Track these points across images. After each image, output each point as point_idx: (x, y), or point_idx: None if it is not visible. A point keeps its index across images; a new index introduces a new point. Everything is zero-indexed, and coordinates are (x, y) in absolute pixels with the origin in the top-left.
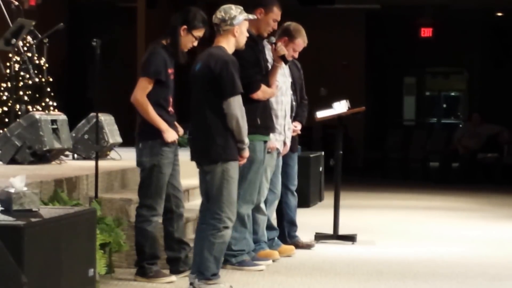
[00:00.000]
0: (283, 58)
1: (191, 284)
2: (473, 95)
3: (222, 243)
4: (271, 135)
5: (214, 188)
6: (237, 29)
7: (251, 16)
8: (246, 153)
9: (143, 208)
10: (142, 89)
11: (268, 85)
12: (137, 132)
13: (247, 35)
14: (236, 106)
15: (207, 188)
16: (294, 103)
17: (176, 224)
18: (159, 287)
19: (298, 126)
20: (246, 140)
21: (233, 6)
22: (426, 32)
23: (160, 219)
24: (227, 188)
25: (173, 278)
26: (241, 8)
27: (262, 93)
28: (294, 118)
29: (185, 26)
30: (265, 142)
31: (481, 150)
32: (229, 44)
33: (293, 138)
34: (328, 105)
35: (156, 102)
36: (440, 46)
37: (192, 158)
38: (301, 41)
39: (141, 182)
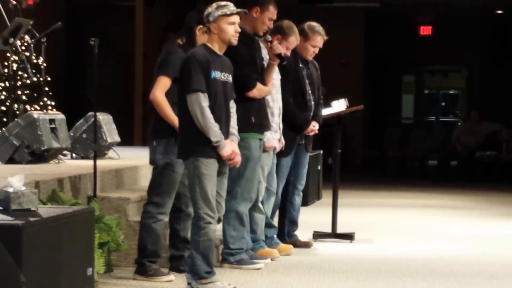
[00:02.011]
0: (280, 57)
1: (188, 284)
2: (472, 93)
3: (206, 240)
4: (268, 133)
5: (189, 185)
6: (214, 26)
7: (228, 11)
8: (224, 152)
9: (151, 205)
10: (161, 88)
11: (264, 83)
12: (151, 130)
13: (232, 32)
14: (193, 104)
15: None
16: (312, 102)
17: (183, 223)
18: (158, 286)
19: (316, 126)
20: (214, 139)
21: (214, 4)
22: (425, 30)
23: (166, 218)
24: (200, 185)
25: (172, 277)
26: (224, 4)
27: (257, 91)
28: (312, 118)
29: (201, 26)
30: (260, 140)
31: (480, 148)
32: (212, 42)
33: (309, 137)
34: (327, 104)
35: (173, 101)
36: (439, 44)
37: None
38: (294, 39)
39: (152, 180)
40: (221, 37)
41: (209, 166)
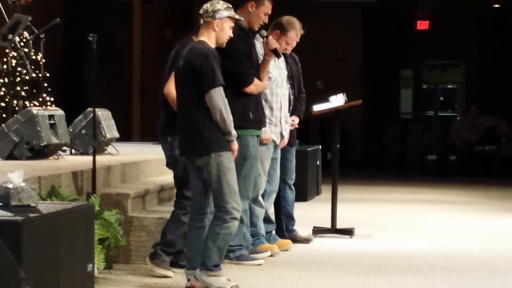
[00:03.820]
0: (275, 52)
1: (188, 280)
2: (470, 87)
3: (227, 235)
4: (267, 126)
5: (213, 182)
6: (218, 23)
7: (237, 16)
8: (235, 145)
9: (186, 199)
10: None
11: (259, 78)
12: (164, 126)
13: (231, 35)
14: (218, 98)
15: (206, 183)
16: (292, 96)
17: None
18: (157, 282)
19: (296, 120)
20: (233, 132)
21: (221, 2)
22: (423, 25)
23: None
24: (225, 179)
25: (170, 274)
26: (231, 6)
27: (255, 86)
28: (292, 112)
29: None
30: (258, 136)
31: (479, 142)
32: (210, 38)
33: (291, 132)
34: (325, 99)
35: None
36: (436, 39)
37: (182, 153)
38: (294, 34)
39: (180, 176)
40: (220, 36)
41: (230, 160)
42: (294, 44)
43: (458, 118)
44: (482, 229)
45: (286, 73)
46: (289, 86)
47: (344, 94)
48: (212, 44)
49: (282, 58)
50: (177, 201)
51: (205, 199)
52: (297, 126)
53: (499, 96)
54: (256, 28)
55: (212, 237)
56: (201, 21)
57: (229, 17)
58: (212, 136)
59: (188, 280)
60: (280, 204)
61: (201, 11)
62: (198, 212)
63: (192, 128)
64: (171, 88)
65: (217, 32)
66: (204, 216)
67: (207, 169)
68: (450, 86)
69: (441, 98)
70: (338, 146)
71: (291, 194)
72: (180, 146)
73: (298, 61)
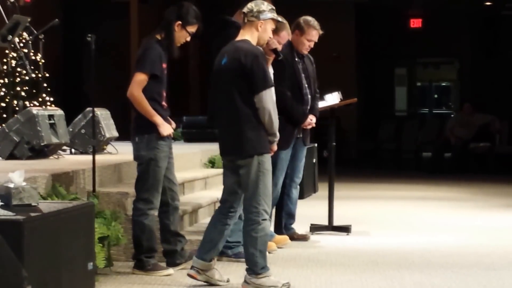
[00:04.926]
0: (275, 52)
1: (192, 268)
2: (464, 84)
3: (264, 236)
4: None
5: (250, 181)
6: (262, 24)
7: (280, 18)
8: (275, 147)
9: (140, 202)
10: (138, 84)
11: None
12: (133, 127)
13: (271, 36)
14: (269, 99)
15: (241, 182)
16: (309, 96)
17: (172, 217)
18: (157, 280)
19: (313, 119)
20: (278, 133)
21: (266, 3)
22: (416, 23)
23: (156, 212)
24: (263, 181)
25: (171, 271)
26: (274, 8)
27: None
28: (309, 111)
29: (179, 22)
30: None
31: (473, 139)
32: (253, 38)
33: (306, 131)
34: (320, 97)
35: (151, 97)
36: (430, 37)
37: (223, 153)
38: (286, 34)
39: (138, 176)
40: (262, 37)
41: (270, 162)
42: (312, 45)
43: (452, 116)
44: (478, 225)
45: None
46: (306, 85)
47: (339, 93)
48: (254, 44)
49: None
50: (135, 208)
51: (238, 198)
52: (314, 125)
53: (493, 93)
54: None
55: (251, 243)
56: (245, 20)
57: (272, 19)
58: (257, 137)
59: (192, 267)
60: (283, 202)
61: (245, 10)
62: (230, 210)
63: (236, 128)
64: (133, 91)
65: (260, 32)
66: (234, 214)
67: (247, 169)
68: (444, 84)
69: (435, 96)
70: (334, 144)
71: (295, 193)
72: (221, 145)
73: (313, 62)
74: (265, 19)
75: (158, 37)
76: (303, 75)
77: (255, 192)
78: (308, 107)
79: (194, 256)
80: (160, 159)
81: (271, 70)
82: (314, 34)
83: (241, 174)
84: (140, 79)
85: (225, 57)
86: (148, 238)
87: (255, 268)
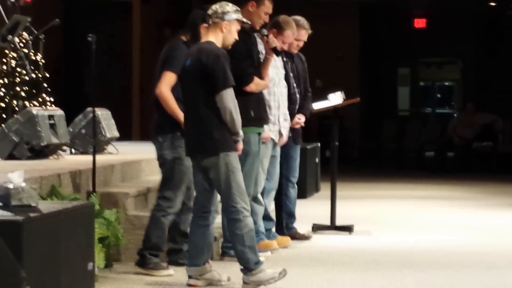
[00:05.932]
0: (275, 50)
1: (189, 277)
2: (467, 84)
3: (249, 231)
4: (265, 126)
5: (221, 182)
6: (226, 25)
7: (244, 20)
8: (241, 145)
9: (163, 199)
10: (167, 83)
11: (261, 77)
12: (155, 126)
13: (236, 37)
14: (229, 99)
15: (214, 185)
16: (298, 95)
17: (184, 217)
18: (157, 280)
19: (302, 118)
20: (241, 132)
21: (230, 4)
22: (420, 23)
23: (174, 213)
24: (234, 179)
25: (171, 271)
26: (239, 9)
27: (255, 85)
28: (298, 111)
29: (205, 24)
30: (259, 134)
31: (476, 139)
32: (217, 39)
33: (297, 130)
34: (324, 97)
35: (177, 96)
36: (433, 37)
37: (188, 153)
38: (290, 33)
39: (163, 175)
40: (227, 38)
41: (237, 160)
42: (301, 44)
43: (455, 115)
44: (480, 225)
45: (283, 72)
46: (295, 85)
47: (343, 92)
48: (219, 45)
49: (279, 58)
50: (157, 204)
51: (208, 197)
52: (303, 124)
53: (496, 92)
54: (257, 27)
55: (238, 240)
56: (210, 22)
57: (237, 20)
58: (221, 136)
59: (189, 277)
60: (282, 202)
61: (209, 12)
62: (202, 210)
63: (201, 128)
64: (162, 89)
65: (225, 33)
66: (208, 214)
67: (215, 169)
68: (447, 84)
69: (438, 95)
70: (337, 143)
71: (293, 192)
72: (187, 146)
73: (304, 60)
74: (230, 20)
75: (184, 38)
76: (291, 74)
77: (229, 192)
78: (297, 107)
79: (186, 266)
80: (185, 158)
81: (273, 70)
82: (303, 33)
83: (211, 177)
84: (169, 77)
85: (189, 59)
86: (159, 235)
87: (248, 264)
